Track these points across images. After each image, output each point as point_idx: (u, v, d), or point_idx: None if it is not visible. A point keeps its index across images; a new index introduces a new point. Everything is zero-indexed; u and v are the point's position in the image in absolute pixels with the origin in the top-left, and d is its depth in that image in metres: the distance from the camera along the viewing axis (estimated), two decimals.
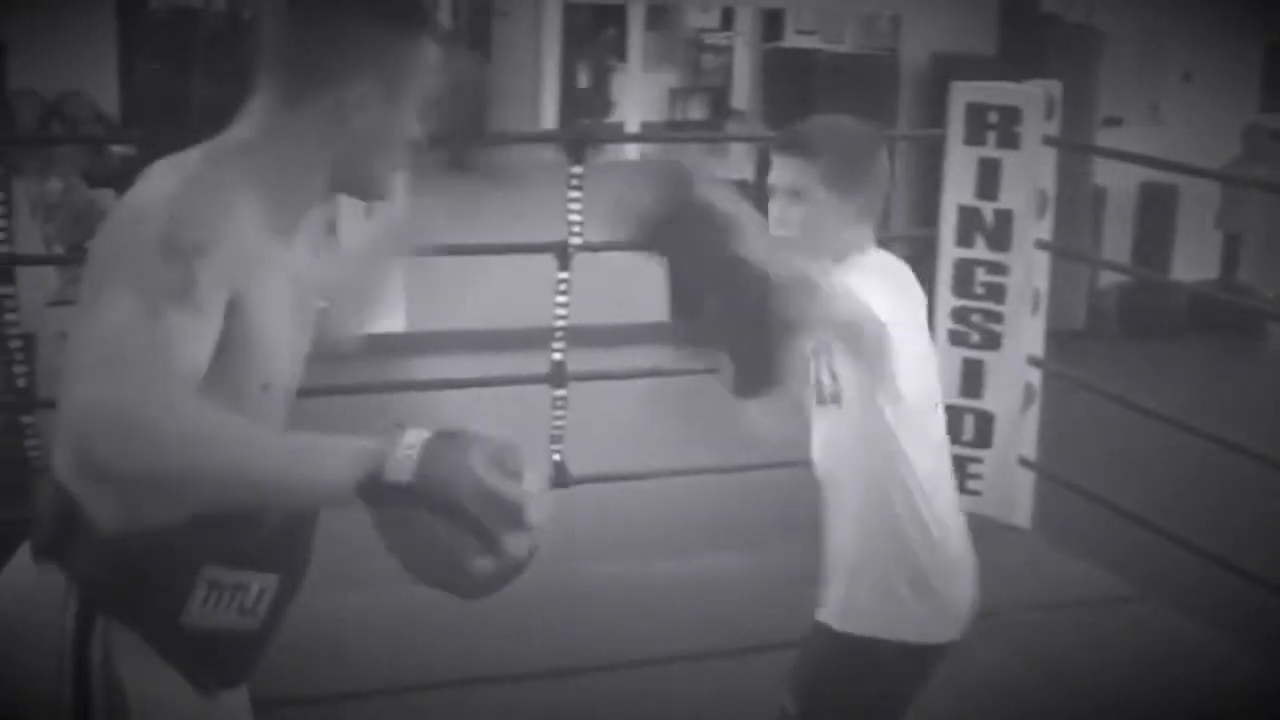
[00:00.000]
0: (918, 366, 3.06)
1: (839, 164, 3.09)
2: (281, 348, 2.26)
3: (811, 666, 3.26)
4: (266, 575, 2.27)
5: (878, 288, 2.96)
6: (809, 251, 3.01)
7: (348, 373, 5.97)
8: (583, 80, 18.69)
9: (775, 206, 3.12)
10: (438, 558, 1.94)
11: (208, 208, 2.11)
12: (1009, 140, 5.37)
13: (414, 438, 1.90)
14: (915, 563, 3.16)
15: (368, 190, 2.36)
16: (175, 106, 8.34)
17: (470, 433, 1.94)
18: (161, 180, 2.17)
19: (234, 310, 2.11)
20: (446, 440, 1.91)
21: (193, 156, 2.23)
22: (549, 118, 18.03)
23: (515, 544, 1.91)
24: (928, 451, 3.13)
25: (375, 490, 1.88)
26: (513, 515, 1.89)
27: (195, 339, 2.02)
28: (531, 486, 1.92)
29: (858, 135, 3.23)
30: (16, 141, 5.35)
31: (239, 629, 2.27)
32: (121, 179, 10.01)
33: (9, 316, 4.69)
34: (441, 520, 1.89)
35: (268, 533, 2.24)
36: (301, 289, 2.34)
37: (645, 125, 18.52)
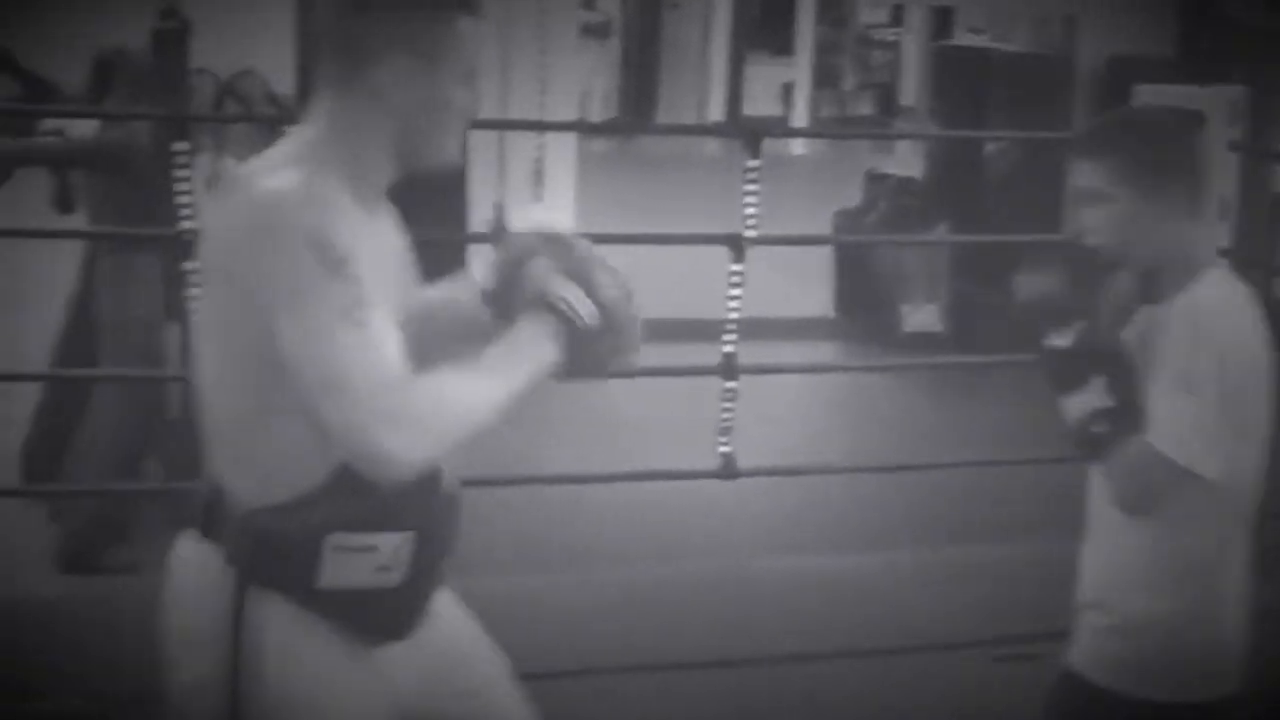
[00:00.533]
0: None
1: (1133, 158, 2.82)
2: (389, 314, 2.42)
3: None
4: (394, 535, 2.45)
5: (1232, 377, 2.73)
6: (1124, 259, 2.84)
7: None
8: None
9: (1081, 214, 2.93)
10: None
11: (326, 213, 2.34)
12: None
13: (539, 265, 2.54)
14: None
15: (430, 160, 2.54)
16: None
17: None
18: (275, 195, 2.37)
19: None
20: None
21: (279, 163, 2.44)
22: (716, 110, 18.03)
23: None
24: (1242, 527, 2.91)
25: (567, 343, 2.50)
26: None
27: (390, 328, 2.36)
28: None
29: (1156, 124, 2.99)
30: (189, 119, 5.46)
31: (380, 585, 2.45)
32: None
33: (193, 291, 4.75)
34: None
35: (385, 497, 2.38)
36: (393, 257, 2.56)
37: (812, 121, 18.44)
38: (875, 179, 11.15)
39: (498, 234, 6.10)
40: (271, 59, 11.06)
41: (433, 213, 7.50)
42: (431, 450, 2.37)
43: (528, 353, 2.47)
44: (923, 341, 9.74)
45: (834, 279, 10.37)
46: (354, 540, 2.41)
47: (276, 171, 2.41)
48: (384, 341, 2.32)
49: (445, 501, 2.54)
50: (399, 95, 2.45)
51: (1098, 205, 2.86)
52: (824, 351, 9.26)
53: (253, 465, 2.44)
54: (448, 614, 2.69)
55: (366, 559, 2.43)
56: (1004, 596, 5.05)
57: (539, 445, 6.37)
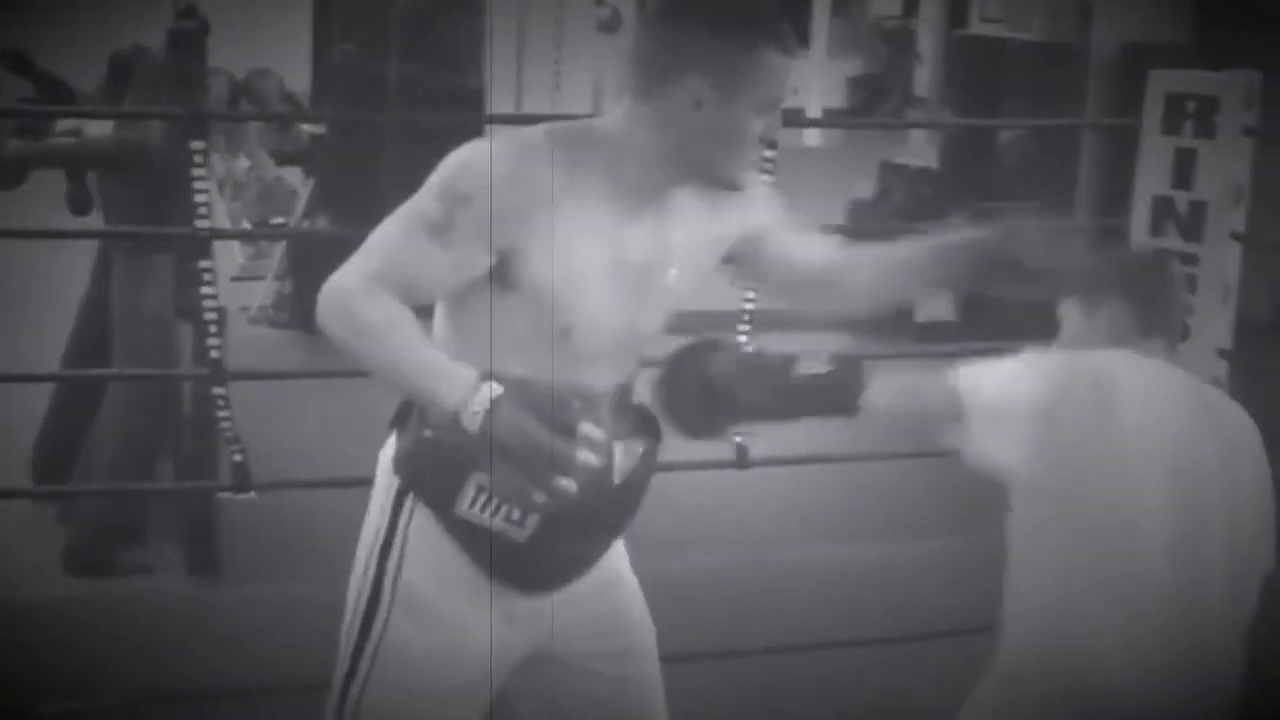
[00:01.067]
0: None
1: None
2: (595, 311, 2.61)
3: None
4: None
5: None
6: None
7: None
8: None
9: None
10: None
11: (500, 170, 2.52)
12: (1206, 130, 5.28)
13: (485, 393, 2.38)
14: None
15: (713, 180, 2.66)
16: (368, 86, 8.44)
17: (532, 388, 2.42)
18: (489, 140, 2.61)
19: (512, 259, 2.54)
20: (510, 398, 2.37)
21: (540, 128, 2.65)
22: None
23: (561, 484, 2.35)
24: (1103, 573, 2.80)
25: (455, 427, 2.40)
26: (551, 463, 2.33)
27: (435, 265, 2.54)
28: (589, 433, 2.35)
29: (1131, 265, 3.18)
30: (208, 117, 5.47)
31: (507, 535, 2.65)
32: (308, 158, 10.20)
33: (206, 289, 4.77)
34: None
35: None
36: (628, 263, 2.64)
37: (827, 112, 18.42)
38: (890, 169, 11.15)
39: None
40: (287, 58, 11.10)
41: None
42: (333, 340, 2.55)
43: (443, 387, 2.44)
44: (935, 330, 9.74)
45: None
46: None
47: (527, 131, 2.64)
48: (413, 262, 2.54)
49: (602, 489, 2.63)
50: (695, 113, 2.56)
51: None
52: (836, 342, 9.24)
53: None
54: (614, 580, 2.89)
55: (502, 508, 2.64)
56: (972, 588, 5.05)
57: None
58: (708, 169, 2.63)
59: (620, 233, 2.62)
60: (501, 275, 2.57)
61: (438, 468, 2.67)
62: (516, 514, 2.63)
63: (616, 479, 2.68)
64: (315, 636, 4.41)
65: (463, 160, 2.57)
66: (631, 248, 2.65)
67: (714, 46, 2.53)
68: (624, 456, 2.68)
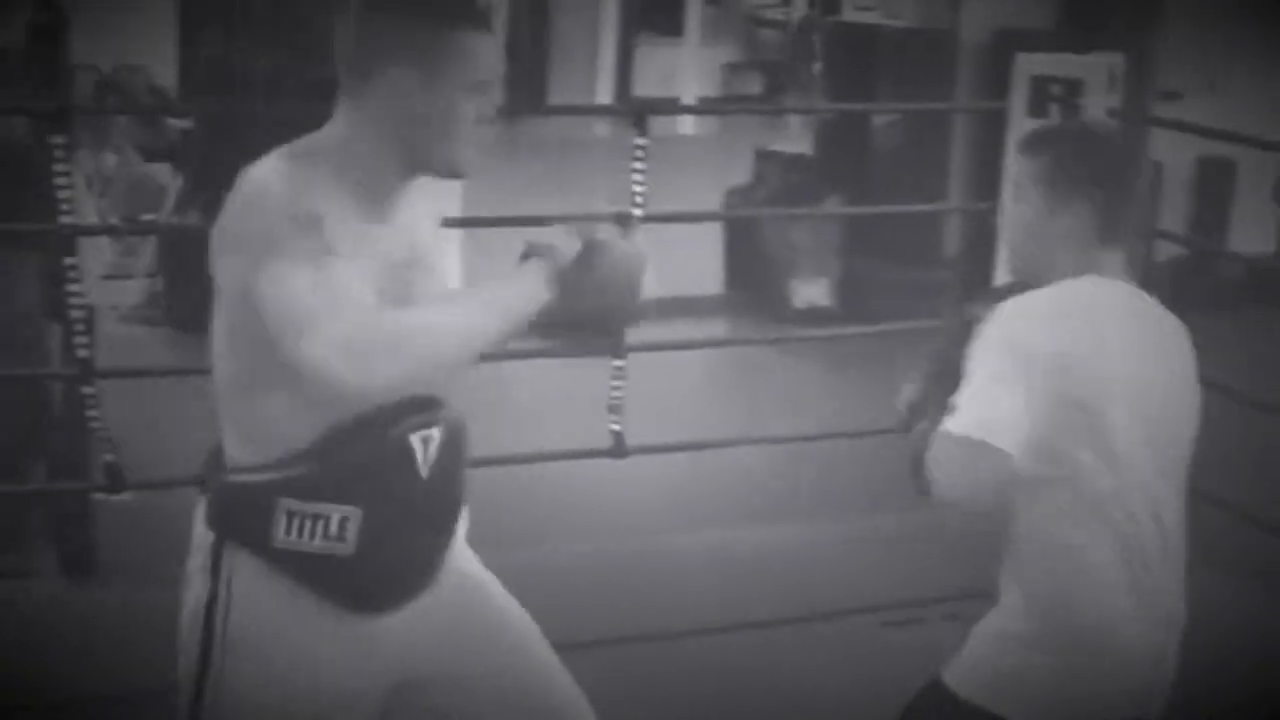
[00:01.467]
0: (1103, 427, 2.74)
1: (1055, 165, 2.81)
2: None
3: None
4: (345, 507, 2.58)
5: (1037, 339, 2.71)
6: (1021, 263, 2.90)
7: None
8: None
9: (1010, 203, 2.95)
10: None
11: (309, 190, 2.49)
12: (1071, 112, 5.36)
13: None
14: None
15: (439, 169, 2.63)
16: (235, 80, 8.36)
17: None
18: (262, 175, 2.54)
19: None
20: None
21: (279, 159, 2.57)
22: (605, 91, 18.02)
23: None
24: (1106, 527, 2.77)
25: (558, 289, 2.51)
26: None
27: (352, 280, 2.47)
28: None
29: (1090, 137, 3.01)
30: (74, 111, 5.40)
31: (333, 552, 2.59)
32: (177, 153, 10.09)
33: (73, 287, 4.71)
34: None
35: (335, 468, 2.57)
36: (393, 265, 2.61)
37: (701, 100, 18.46)
38: (765, 156, 11.20)
39: None
40: (154, 53, 10.97)
41: None
42: (395, 376, 2.46)
43: (513, 290, 2.52)
44: (813, 316, 9.80)
45: (724, 256, 10.40)
46: (305, 507, 2.57)
47: (271, 160, 2.57)
48: (347, 284, 2.44)
49: (411, 483, 2.63)
50: (403, 103, 2.55)
51: (1015, 200, 2.88)
52: (715, 328, 9.29)
53: (239, 431, 2.64)
54: (466, 584, 2.83)
55: (317, 526, 2.58)
56: (892, 564, 5.10)
57: None
58: (428, 159, 2.61)
59: (375, 238, 2.59)
60: None
61: (245, 505, 2.62)
62: (335, 528, 2.58)
63: (424, 472, 2.65)
64: None
65: (274, 196, 2.49)
66: (387, 251, 2.62)
67: (412, 34, 2.54)
68: (423, 448, 2.64)
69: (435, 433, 2.67)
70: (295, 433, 2.57)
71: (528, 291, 2.52)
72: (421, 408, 2.65)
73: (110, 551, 5.53)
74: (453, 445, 2.72)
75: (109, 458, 4.84)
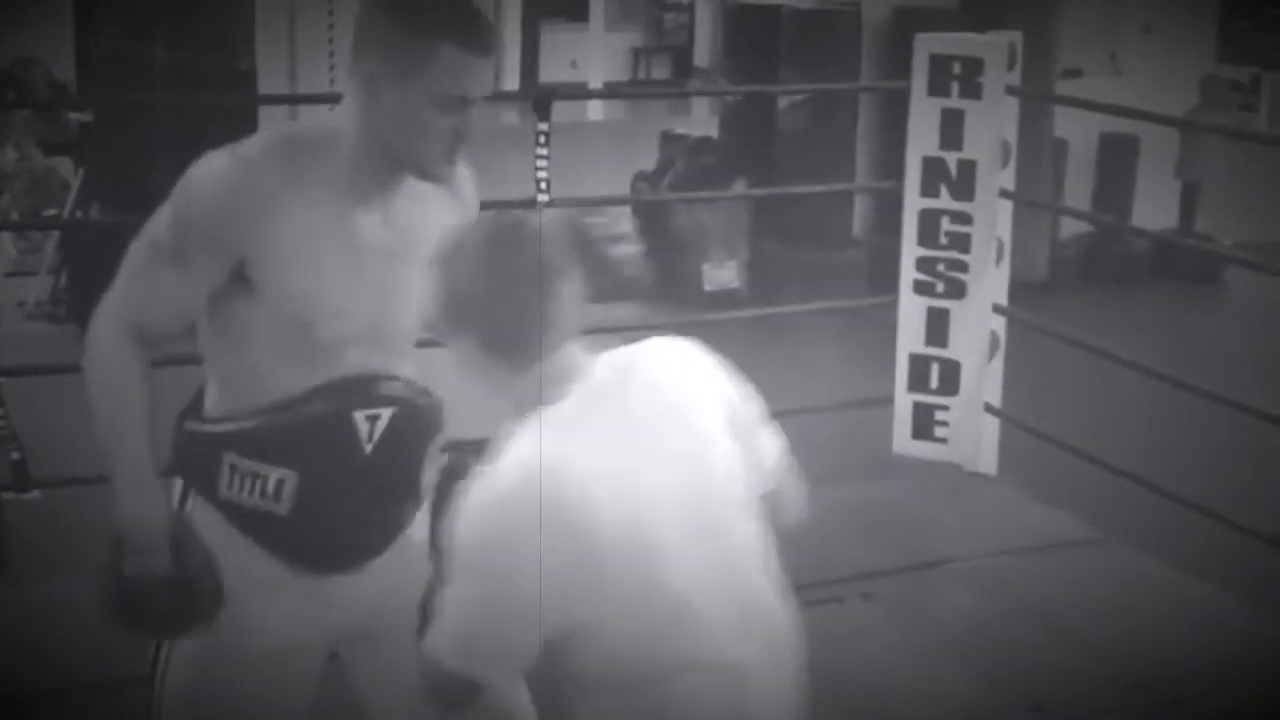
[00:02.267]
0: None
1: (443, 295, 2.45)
2: (332, 302, 2.64)
3: None
4: (282, 469, 2.67)
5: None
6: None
7: None
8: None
9: None
10: None
11: (220, 185, 2.59)
12: (972, 91, 5.39)
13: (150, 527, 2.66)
14: None
15: (411, 170, 2.66)
16: (134, 72, 8.30)
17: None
18: (208, 161, 2.62)
19: (248, 266, 2.60)
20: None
21: (260, 138, 2.67)
22: (511, 79, 18.00)
23: None
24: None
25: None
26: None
27: (177, 288, 2.63)
28: None
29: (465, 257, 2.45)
30: None
31: (268, 511, 2.68)
32: (78, 147, 9.99)
33: None
34: None
35: (277, 431, 2.67)
36: (372, 254, 2.68)
37: (608, 85, 18.49)
38: (671, 139, 11.22)
39: None
40: (53, 47, 10.86)
41: None
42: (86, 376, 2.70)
43: (126, 482, 2.66)
44: (723, 298, 9.83)
45: (634, 240, 10.42)
46: (245, 464, 2.67)
47: (244, 144, 2.65)
48: (157, 288, 2.65)
49: (352, 457, 2.70)
50: (377, 100, 2.59)
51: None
52: (625, 312, 9.29)
53: (212, 383, 2.76)
54: (402, 559, 2.82)
55: (255, 484, 2.68)
56: (806, 543, 5.11)
57: None
58: (402, 158, 2.64)
59: (355, 224, 2.66)
60: (243, 283, 2.63)
61: (197, 454, 2.73)
62: (271, 488, 2.67)
63: (366, 449, 2.71)
64: (104, 636, 4.37)
65: (187, 182, 2.63)
66: (368, 238, 2.67)
67: (395, 36, 2.57)
68: (369, 425, 2.71)
69: (384, 413, 2.72)
70: (252, 393, 2.68)
71: (128, 505, 2.66)
72: (372, 388, 2.72)
73: (18, 550, 5.48)
74: (409, 427, 2.76)
75: (15, 456, 4.80)
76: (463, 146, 2.66)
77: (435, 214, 2.76)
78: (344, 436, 2.69)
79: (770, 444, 2.72)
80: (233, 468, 2.68)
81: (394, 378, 2.75)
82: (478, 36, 2.60)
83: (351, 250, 2.65)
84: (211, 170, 2.61)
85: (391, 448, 2.74)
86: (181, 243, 2.61)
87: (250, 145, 2.65)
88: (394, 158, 2.65)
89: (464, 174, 2.83)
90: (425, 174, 2.68)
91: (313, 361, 2.67)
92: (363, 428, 2.70)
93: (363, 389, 2.70)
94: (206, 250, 2.61)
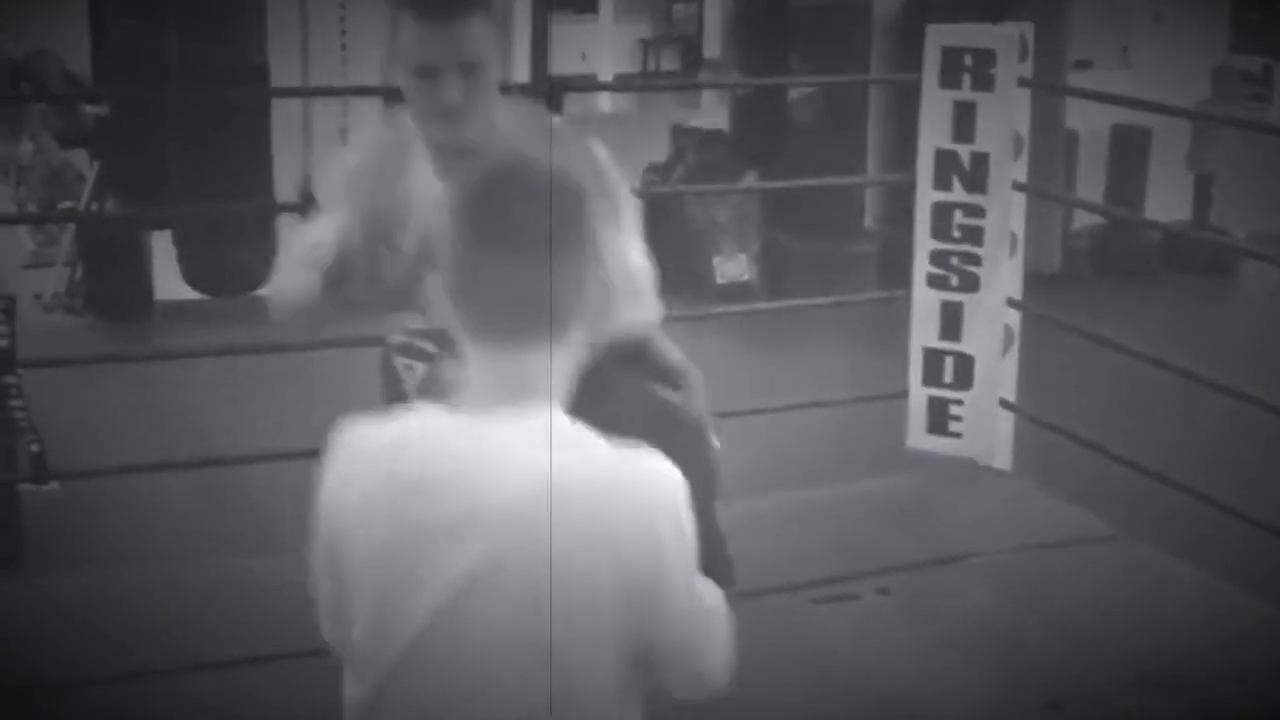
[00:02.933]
0: None
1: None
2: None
3: None
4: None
5: None
6: None
7: (327, 327, 6.00)
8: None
9: None
10: None
11: (354, 152, 3.04)
12: (984, 83, 5.37)
13: None
14: None
15: (426, 140, 2.89)
16: (149, 66, 8.31)
17: None
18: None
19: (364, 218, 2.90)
20: None
21: (379, 128, 3.06)
22: (521, 72, 17.96)
23: None
24: None
25: None
26: None
27: (321, 230, 2.96)
28: None
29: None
30: None
31: None
32: (94, 139, 10.00)
33: None
34: None
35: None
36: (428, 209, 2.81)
37: (617, 77, 18.44)
38: (681, 132, 11.21)
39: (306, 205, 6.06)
40: (68, 40, 10.86)
41: (238, 184, 7.47)
42: None
43: None
44: (734, 291, 9.83)
45: (644, 233, 10.40)
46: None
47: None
48: (310, 229, 2.99)
49: (402, 397, 2.97)
50: (388, 74, 2.95)
51: None
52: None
53: None
54: None
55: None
56: (821, 539, 5.13)
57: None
58: (429, 138, 2.90)
59: (428, 195, 2.80)
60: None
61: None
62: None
63: (410, 392, 2.98)
64: (123, 625, 4.38)
65: (348, 145, 3.21)
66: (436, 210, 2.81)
67: (390, 11, 2.80)
68: (409, 374, 3.03)
69: (418, 365, 2.95)
70: None
71: None
72: (412, 342, 2.98)
73: (37, 541, 5.50)
74: (434, 386, 2.89)
75: (34, 448, 4.81)
76: (459, 114, 2.78)
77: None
78: (395, 377, 2.96)
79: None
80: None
81: (431, 335, 2.92)
82: (435, 7, 2.73)
83: (415, 217, 2.84)
84: (344, 157, 3.06)
85: (429, 396, 2.85)
86: (331, 194, 3.01)
87: (372, 134, 3.05)
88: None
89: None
90: (435, 141, 2.86)
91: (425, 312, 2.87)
92: (403, 373, 2.95)
93: (408, 341, 2.96)
94: (349, 197, 2.94)
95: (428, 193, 2.84)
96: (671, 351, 2.89)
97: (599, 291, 2.11)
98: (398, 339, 2.98)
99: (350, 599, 2.12)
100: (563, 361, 2.09)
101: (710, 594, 2.20)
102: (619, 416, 2.19)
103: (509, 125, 2.92)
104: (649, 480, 2.06)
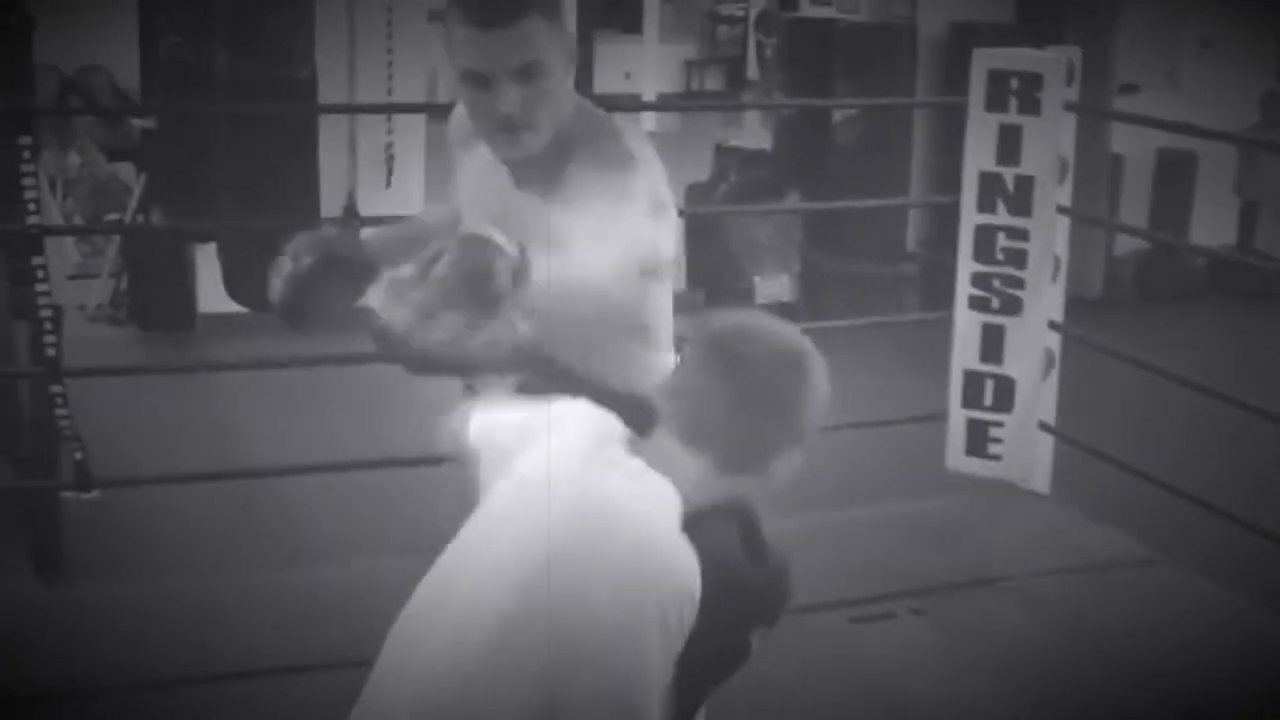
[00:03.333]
0: None
1: None
2: None
3: None
4: None
5: None
6: None
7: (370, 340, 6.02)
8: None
9: None
10: None
11: (452, 126, 2.95)
12: (1030, 106, 5.38)
13: None
14: None
15: (488, 146, 2.74)
16: (196, 80, 8.36)
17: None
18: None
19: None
20: None
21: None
22: None
23: None
24: None
25: None
26: None
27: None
28: None
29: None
30: (38, 113, 5.40)
31: None
32: (140, 153, 10.06)
33: (40, 287, 4.72)
34: None
35: None
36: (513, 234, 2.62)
37: (661, 97, 18.48)
38: (724, 152, 11.23)
39: (349, 220, 6.09)
40: (115, 53, 10.94)
41: (284, 199, 7.50)
42: None
43: None
44: (775, 311, 9.79)
45: (685, 252, 10.43)
46: None
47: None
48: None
49: None
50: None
51: None
52: (676, 325, 9.30)
53: None
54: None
55: None
56: (859, 558, 5.13)
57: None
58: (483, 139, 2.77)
59: (503, 199, 2.73)
60: None
61: None
62: None
63: None
64: (161, 634, 4.41)
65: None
66: (521, 219, 2.61)
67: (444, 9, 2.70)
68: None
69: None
70: None
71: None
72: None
73: (78, 549, 5.53)
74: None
75: (78, 456, 4.84)
76: (519, 125, 2.63)
77: (594, 206, 2.66)
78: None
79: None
80: None
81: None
82: (481, 10, 2.58)
83: (491, 217, 2.69)
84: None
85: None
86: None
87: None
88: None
89: (588, 180, 2.70)
90: (491, 149, 2.73)
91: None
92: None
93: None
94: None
95: (477, 183, 2.86)
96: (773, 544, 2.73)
97: (785, 467, 2.40)
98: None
99: None
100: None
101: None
102: (701, 545, 2.25)
103: (585, 137, 2.74)
104: (670, 566, 2.16)
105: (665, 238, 2.70)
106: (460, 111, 2.84)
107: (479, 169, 2.83)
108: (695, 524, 2.26)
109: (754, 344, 2.30)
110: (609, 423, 2.35)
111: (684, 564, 2.14)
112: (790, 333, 2.35)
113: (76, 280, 9.32)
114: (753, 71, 18.35)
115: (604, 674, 2.10)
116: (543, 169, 2.69)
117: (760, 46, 19.09)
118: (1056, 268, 5.54)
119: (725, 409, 2.26)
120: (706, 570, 2.19)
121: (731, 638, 2.35)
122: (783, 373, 2.29)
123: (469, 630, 2.16)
